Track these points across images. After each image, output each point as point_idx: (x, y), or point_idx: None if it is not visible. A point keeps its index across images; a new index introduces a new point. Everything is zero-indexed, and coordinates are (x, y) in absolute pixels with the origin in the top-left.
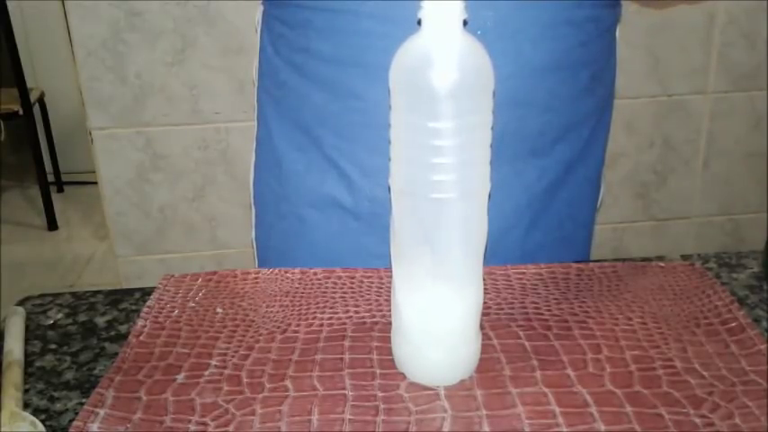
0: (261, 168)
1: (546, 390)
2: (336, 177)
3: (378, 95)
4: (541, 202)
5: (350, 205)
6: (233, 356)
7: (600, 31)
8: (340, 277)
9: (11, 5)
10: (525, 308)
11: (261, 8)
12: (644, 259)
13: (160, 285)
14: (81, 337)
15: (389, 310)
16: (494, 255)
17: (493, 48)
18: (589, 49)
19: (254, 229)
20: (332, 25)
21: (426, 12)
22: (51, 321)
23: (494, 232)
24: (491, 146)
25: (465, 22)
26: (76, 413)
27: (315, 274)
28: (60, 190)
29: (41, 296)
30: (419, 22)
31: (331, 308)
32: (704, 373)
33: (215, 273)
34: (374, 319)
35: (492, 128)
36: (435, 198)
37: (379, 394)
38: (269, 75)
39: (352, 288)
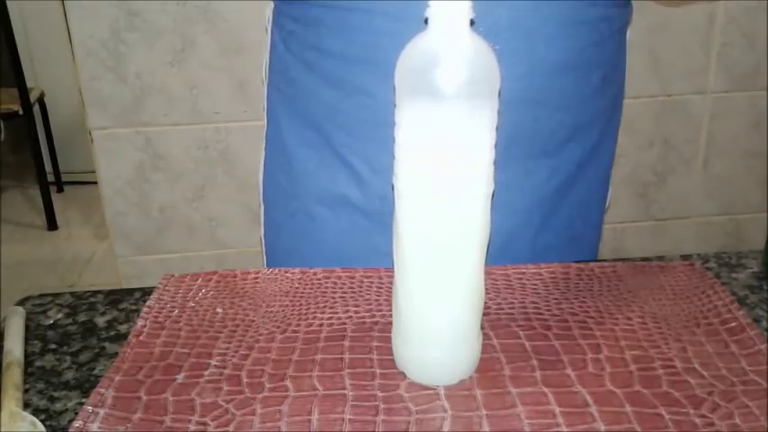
0: (270, 166)
1: (546, 390)
2: (347, 175)
3: (389, 93)
4: (552, 203)
5: (360, 203)
6: (233, 356)
7: (612, 31)
8: (340, 277)
9: (11, 5)
10: (525, 308)
11: (271, 5)
12: (644, 259)
13: (160, 285)
14: (81, 337)
15: (389, 310)
16: (504, 255)
17: (506, 47)
18: (601, 50)
19: (262, 227)
20: (343, 23)
21: (433, 11)
22: (51, 321)
23: (504, 232)
24: (502, 145)
25: (472, 22)
26: (76, 413)
27: (315, 273)
28: (60, 190)
29: (41, 296)
30: (426, 21)
31: (331, 308)
32: (704, 373)
33: (215, 273)
34: (374, 319)
35: (497, 128)
36: (439, 198)
37: (379, 394)
38: (279, 72)
39: (352, 288)
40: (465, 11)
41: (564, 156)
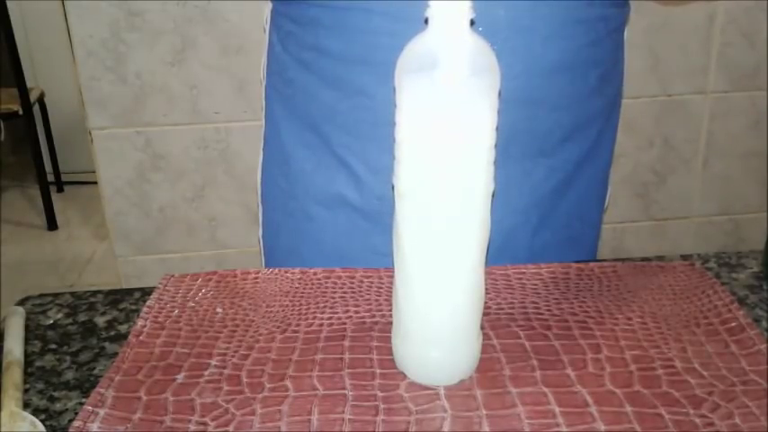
0: (268, 166)
1: (546, 390)
2: (345, 175)
3: (387, 93)
4: (550, 202)
5: (358, 203)
6: (233, 356)
7: (609, 30)
8: (340, 277)
9: (11, 5)
10: (525, 308)
11: (269, 6)
12: (644, 259)
13: (160, 285)
14: (81, 337)
15: (389, 310)
16: (502, 254)
17: (504, 46)
18: (598, 49)
19: (260, 228)
20: (342, 23)
21: (433, 11)
22: (51, 321)
23: (502, 231)
24: (500, 144)
25: (472, 22)
26: (76, 413)
27: (315, 273)
28: (60, 190)
29: (41, 296)
30: (426, 21)
31: (331, 308)
32: (704, 373)
33: (215, 273)
34: (374, 319)
35: (497, 128)
36: (439, 198)
37: (379, 394)
38: (277, 72)
39: (352, 288)
40: (465, 11)
41: (562, 155)
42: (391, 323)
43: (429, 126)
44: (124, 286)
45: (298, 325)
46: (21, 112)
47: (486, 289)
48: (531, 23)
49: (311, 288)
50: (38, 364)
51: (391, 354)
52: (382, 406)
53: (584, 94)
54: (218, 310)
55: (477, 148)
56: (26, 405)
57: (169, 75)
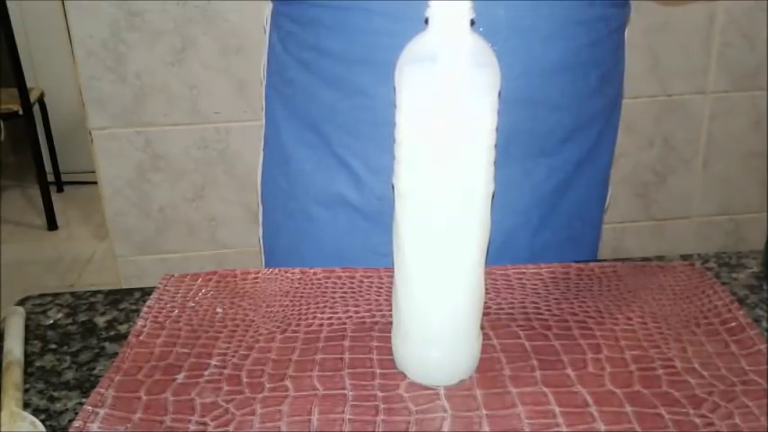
0: (268, 166)
1: (546, 390)
2: (345, 175)
3: (387, 93)
4: (550, 202)
5: (358, 203)
6: (233, 356)
7: (609, 30)
8: (340, 277)
9: (11, 5)
10: (525, 308)
11: (270, 6)
12: (644, 259)
13: (160, 285)
14: (81, 337)
15: (389, 310)
16: (502, 253)
17: (504, 46)
18: (598, 49)
19: (260, 228)
20: (342, 23)
21: (433, 11)
22: (51, 321)
23: (503, 231)
24: (501, 145)
25: (472, 22)
26: (76, 413)
27: (315, 273)
28: (60, 190)
29: (41, 296)
30: (426, 21)
31: (331, 308)
32: (704, 373)
33: (215, 273)
34: (374, 319)
35: (497, 128)
36: (439, 198)
37: (379, 394)
38: (277, 72)
39: (352, 288)
40: (465, 11)
41: (562, 155)
42: (391, 323)
43: (429, 125)
44: (124, 286)
45: (298, 325)
46: (21, 112)
47: (486, 289)
48: (531, 24)
49: (311, 288)
50: (38, 364)
51: (391, 354)
52: (382, 406)
53: (585, 94)
54: (218, 310)
55: (477, 147)
56: (26, 405)
57: (169, 75)
